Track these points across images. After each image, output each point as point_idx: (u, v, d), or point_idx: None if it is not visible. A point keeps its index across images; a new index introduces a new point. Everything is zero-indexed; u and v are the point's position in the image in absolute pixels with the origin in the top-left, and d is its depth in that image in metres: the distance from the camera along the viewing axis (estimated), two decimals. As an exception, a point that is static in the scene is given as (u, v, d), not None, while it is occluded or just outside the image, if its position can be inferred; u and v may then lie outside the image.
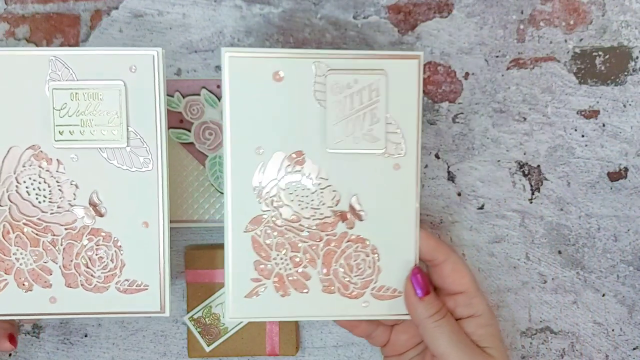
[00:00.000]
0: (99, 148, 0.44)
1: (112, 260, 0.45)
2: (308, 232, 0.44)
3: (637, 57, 0.52)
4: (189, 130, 0.53)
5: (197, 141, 0.52)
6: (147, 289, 0.45)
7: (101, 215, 0.44)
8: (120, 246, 0.45)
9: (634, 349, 0.53)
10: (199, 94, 0.52)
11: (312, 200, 0.44)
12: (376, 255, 0.44)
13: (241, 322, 0.52)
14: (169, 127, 0.52)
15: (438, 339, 0.43)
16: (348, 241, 0.44)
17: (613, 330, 0.53)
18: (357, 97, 0.42)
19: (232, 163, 0.43)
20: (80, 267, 0.45)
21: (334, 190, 0.44)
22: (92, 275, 0.45)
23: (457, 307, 0.44)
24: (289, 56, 0.42)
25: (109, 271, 0.45)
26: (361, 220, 0.44)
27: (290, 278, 0.44)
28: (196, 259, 0.53)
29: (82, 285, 0.45)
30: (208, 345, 0.53)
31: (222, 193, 0.53)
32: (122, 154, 0.44)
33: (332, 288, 0.45)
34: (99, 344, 0.56)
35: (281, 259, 0.44)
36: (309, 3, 0.53)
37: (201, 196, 0.53)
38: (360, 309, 0.45)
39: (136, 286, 0.45)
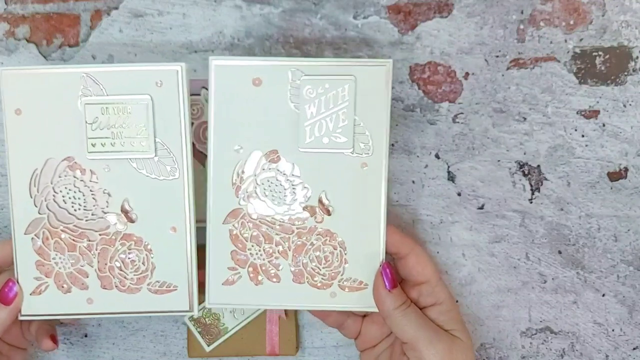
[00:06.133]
0: (129, 158, 0.46)
1: (143, 263, 0.47)
2: (280, 225, 0.47)
3: (637, 57, 0.52)
4: (189, 130, 0.53)
5: (197, 141, 0.52)
6: (176, 290, 0.47)
7: (132, 222, 0.47)
8: (150, 250, 0.47)
9: (634, 349, 0.53)
10: (199, 94, 0.52)
11: (285, 196, 0.46)
12: (344, 248, 0.47)
13: (241, 322, 0.53)
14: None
15: (405, 326, 0.45)
16: (317, 234, 0.47)
17: (613, 330, 0.53)
18: (328, 100, 0.45)
19: (214, 161, 0.46)
20: (114, 270, 0.47)
21: (305, 187, 0.46)
22: (125, 278, 0.47)
23: (420, 297, 0.47)
24: (267, 63, 0.45)
25: (140, 273, 0.47)
26: (330, 215, 0.46)
27: (263, 268, 0.47)
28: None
29: (116, 286, 0.47)
30: (208, 345, 0.53)
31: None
32: (150, 164, 0.46)
33: (302, 279, 0.47)
34: (99, 344, 0.56)
35: (256, 250, 0.47)
36: (309, 3, 0.53)
37: (201, 196, 0.53)
38: (328, 299, 0.47)
39: (166, 287, 0.47)
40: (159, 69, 0.46)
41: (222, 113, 0.46)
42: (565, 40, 0.52)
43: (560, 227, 0.53)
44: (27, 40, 0.54)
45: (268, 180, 0.46)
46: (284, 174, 0.46)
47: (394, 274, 0.46)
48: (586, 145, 0.52)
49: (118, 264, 0.47)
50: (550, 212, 0.53)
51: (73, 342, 0.56)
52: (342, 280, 0.47)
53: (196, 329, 0.53)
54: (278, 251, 0.47)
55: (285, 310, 0.53)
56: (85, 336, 0.56)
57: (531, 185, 0.53)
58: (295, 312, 0.54)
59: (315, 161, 0.46)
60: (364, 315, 0.50)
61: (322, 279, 0.47)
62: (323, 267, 0.47)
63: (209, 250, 0.47)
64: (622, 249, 0.53)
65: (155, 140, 0.46)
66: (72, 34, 0.54)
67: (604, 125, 0.52)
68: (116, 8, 0.54)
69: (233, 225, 0.47)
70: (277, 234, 0.47)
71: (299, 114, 0.45)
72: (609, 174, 0.52)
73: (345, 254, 0.47)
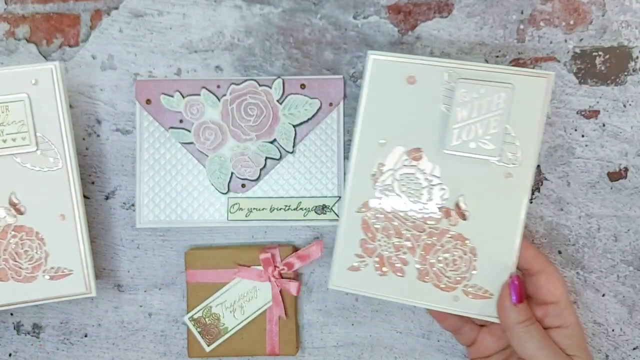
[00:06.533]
0: (12, 154, 0.49)
1: (36, 252, 0.50)
2: (413, 222, 0.47)
3: (637, 57, 0.52)
4: (189, 130, 0.53)
5: (197, 141, 0.52)
6: (72, 274, 0.50)
7: (22, 214, 0.49)
8: (42, 238, 0.49)
9: (634, 349, 0.53)
10: (199, 94, 0.52)
11: (422, 194, 0.47)
12: (474, 255, 0.46)
13: (241, 322, 0.53)
14: (170, 127, 0.53)
15: (527, 343, 0.44)
16: (449, 237, 0.46)
17: (613, 330, 0.53)
18: (482, 106, 0.45)
19: (358, 150, 0.47)
20: (8, 261, 0.49)
21: (443, 188, 0.46)
22: (20, 268, 0.50)
23: (546, 317, 0.45)
24: (424, 63, 0.46)
25: (35, 262, 0.49)
26: (465, 219, 0.46)
27: (389, 260, 0.47)
28: (196, 259, 0.53)
29: (12, 277, 0.50)
30: (208, 345, 0.53)
31: (222, 193, 0.53)
32: (33, 157, 0.49)
33: (427, 277, 0.47)
34: (99, 344, 0.56)
35: (385, 242, 0.47)
36: (309, 3, 0.53)
37: (201, 196, 0.53)
38: (450, 302, 0.47)
39: (62, 272, 0.50)
40: (33, 69, 0.49)
41: (373, 106, 0.47)
42: (565, 40, 0.52)
43: (560, 227, 0.53)
44: (27, 40, 0.54)
45: (407, 177, 0.47)
46: (424, 173, 0.46)
47: (522, 287, 0.45)
48: (586, 145, 0.52)
49: (12, 256, 0.49)
50: (550, 212, 0.53)
51: (73, 342, 0.56)
52: (467, 286, 0.46)
53: (196, 329, 0.53)
54: (406, 247, 0.47)
55: (285, 310, 0.53)
56: (85, 336, 0.56)
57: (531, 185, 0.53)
58: (296, 312, 0.54)
59: (457, 164, 0.46)
60: (482, 325, 0.49)
61: (447, 281, 0.47)
62: (450, 270, 0.47)
63: (340, 235, 0.47)
64: (622, 249, 0.53)
65: (35, 134, 0.49)
66: (72, 34, 0.54)
67: (604, 125, 0.52)
68: (116, 8, 0.54)
69: (366, 215, 0.47)
70: (407, 230, 0.47)
71: (449, 115, 0.45)
72: (609, 174, 0.52)
73: (475, 261, 0.46)
